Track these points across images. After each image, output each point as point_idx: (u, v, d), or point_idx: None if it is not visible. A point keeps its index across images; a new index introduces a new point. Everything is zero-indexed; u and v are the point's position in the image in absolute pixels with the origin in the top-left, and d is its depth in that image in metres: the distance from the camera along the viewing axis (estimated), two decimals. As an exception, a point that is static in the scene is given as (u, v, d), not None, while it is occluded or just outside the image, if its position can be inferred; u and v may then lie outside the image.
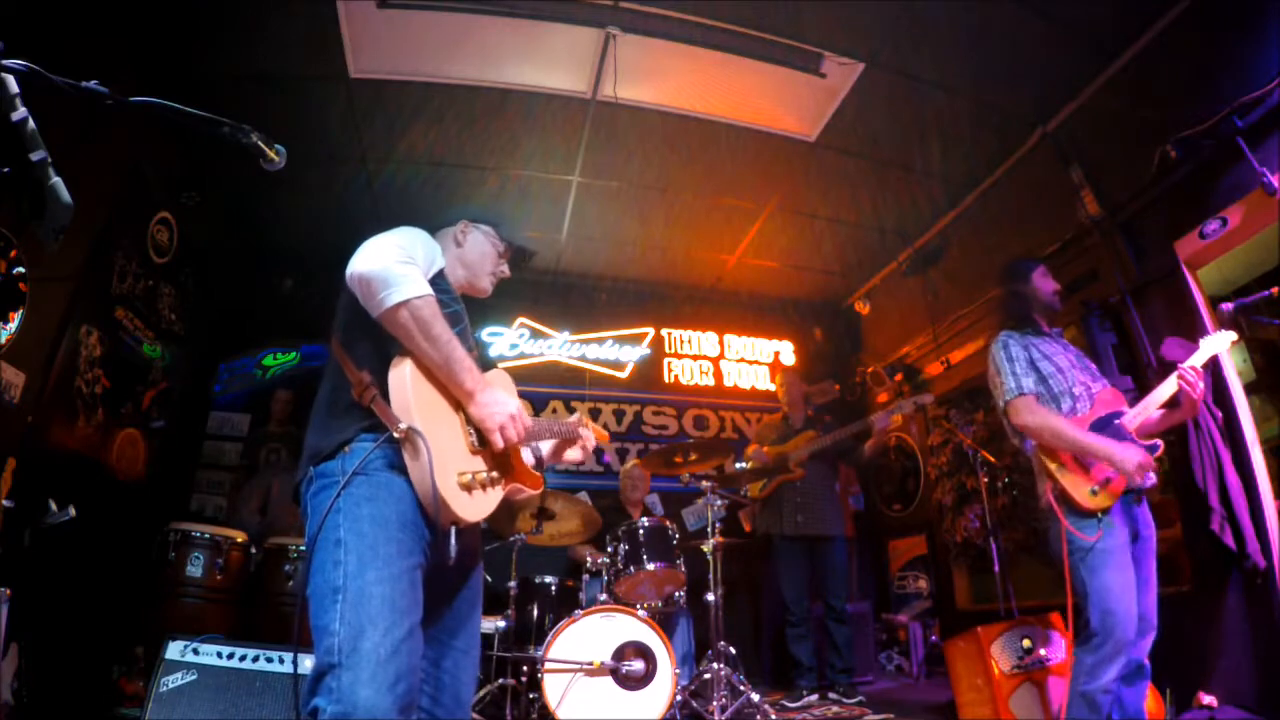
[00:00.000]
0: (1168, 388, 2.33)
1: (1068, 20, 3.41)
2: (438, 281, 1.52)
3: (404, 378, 1.36)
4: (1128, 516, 2.27)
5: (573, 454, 1.82)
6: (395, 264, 1.35)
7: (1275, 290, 2.51)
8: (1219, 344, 2.38)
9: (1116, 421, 2.33)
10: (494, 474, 1.48)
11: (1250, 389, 3.48)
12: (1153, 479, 2.32)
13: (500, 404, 1.45)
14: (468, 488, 1.38)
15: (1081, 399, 2.41)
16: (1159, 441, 2.33)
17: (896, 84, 3.89)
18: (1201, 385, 2.31)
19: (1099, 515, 2.21)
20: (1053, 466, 2.30)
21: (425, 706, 1.41)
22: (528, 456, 1.63)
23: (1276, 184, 2.82)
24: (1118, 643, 2.10)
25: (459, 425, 1.46)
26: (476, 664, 1.51)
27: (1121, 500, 2.25)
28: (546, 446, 1.78)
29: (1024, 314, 2.63)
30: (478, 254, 1.74)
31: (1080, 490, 2.25)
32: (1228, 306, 2.57)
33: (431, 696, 1.42)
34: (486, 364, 1.75)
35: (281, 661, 2.52)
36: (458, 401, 1.46)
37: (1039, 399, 2.40)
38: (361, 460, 1.32)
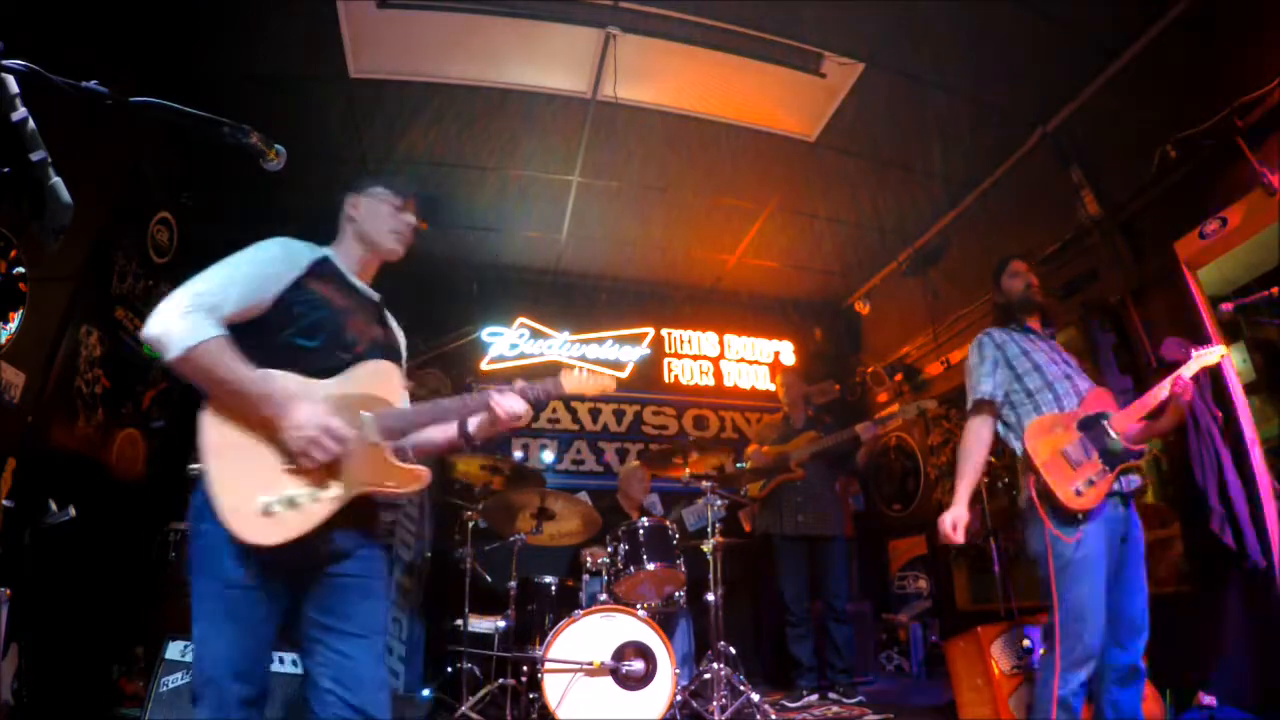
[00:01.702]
0: (1160, 392, 2.30)
1: (1068, 20, 3.41)
2: (304, 285, 1.61)
3: (203, 423, 1.48)
4: (1111, 519, 2.22)
5: (512, 406, 1.75)
6: (173, 318, 1.44)
7: (1275, 290, 2.51)
8: (1209, 358, 2.33)
9: (1103, 422, 2.29)
10: (318, 490, 1.49)
11: (1250, 389, 3.48)
12: (1137, 481, 2.29)
13: (305, 426, 1.46)
14: (267, 512, 1.44)
15: (1066, 395, 2.37)
16: (1144, 447, 2.31)
17: (896, 84, 3.89)
18: (1189, 397, 2.28)
19: (1080, 516, 2.17)
20: (1038, 461, 2.26)
21: (329, 687, 1.50)
22: (393, 455, 1.62)
23: (1276, 184, 2.82)
24: (1086, 647, 2.08)
25: (271, 452, 1.49)
26: (377, 648, 1.57)
27: (1107, 502, 2.21)
28: (474, 422, 1.79)
29: (1006, 315, 2.64)
30: (371, 218, 1.78)
31: (1065, 489, 2.19)
32: (1228, 306, 2.57)
33: (334, 678, 1.50)
34: (393, 350, 1.78)
35: (281, 661, 2.52)
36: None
37: (994, 405, 2.43)
38: (193, 512, 1.49)
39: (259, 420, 1.47)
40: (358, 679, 1.52)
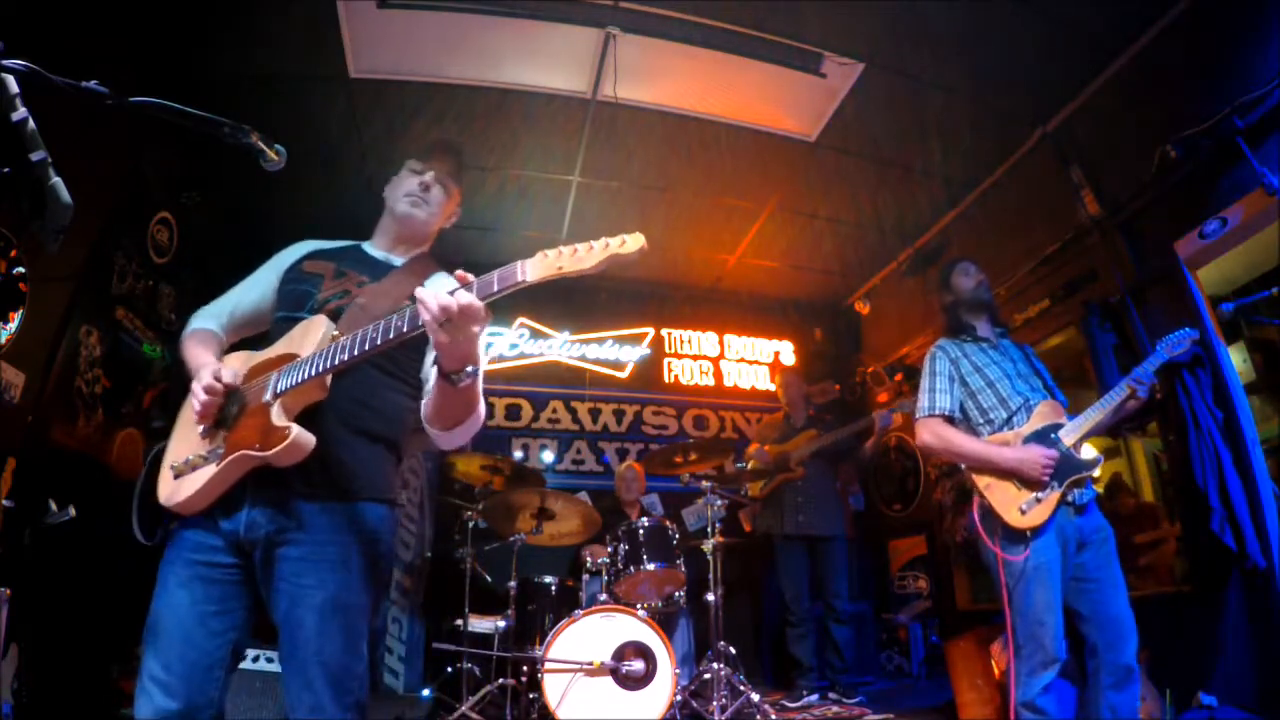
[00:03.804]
0: (1114, 397, 2.29)
1: (1068, 20, 3.41)
2: (296, 268, 1.68)
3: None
4: (1063, 528, 2.21)
5: (441, 301, 1.29)
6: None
7: (1276, 290, 2.51)
8: (1174, 345, 2.32)
9: (1054, 435, 2.28)
10: (206, 452, 1.43)
11: (1250, 389, 3.48)
12: (1092, 492, 2.28)
13: (198, 376, 1.46)
14: (179, 473, 1.47)
15: (1019, 412, 2.36)
16: (1100, 456, 2.31)
17: (896, 84, 3.89)
18: (1146, 392, 2.28)
19: (1028, 534, 2.17)
20: (981, 484, 2.26)
21: (283, 659, 1.38)
22: (280, 416, 1.37)
23: (1277, 184, 2.82)
24: (1047, 654, 2.10)
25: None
26: (308, 678, 1.34)
27: (1056, 515, 2.19)
28: (435, 355, 1.43)
29: (956, 321, 2.61)
30: (393, 191, 1.81)
31: (1009, 510, 2.19)
32: (1228, 306, 2.57)
33: (289, 647, 1.36)
34: (392, 309, 1.54)
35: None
36: None
37: (950, 419, 2.40)
38: None
39: None
40: (293, 641, 1.33)
